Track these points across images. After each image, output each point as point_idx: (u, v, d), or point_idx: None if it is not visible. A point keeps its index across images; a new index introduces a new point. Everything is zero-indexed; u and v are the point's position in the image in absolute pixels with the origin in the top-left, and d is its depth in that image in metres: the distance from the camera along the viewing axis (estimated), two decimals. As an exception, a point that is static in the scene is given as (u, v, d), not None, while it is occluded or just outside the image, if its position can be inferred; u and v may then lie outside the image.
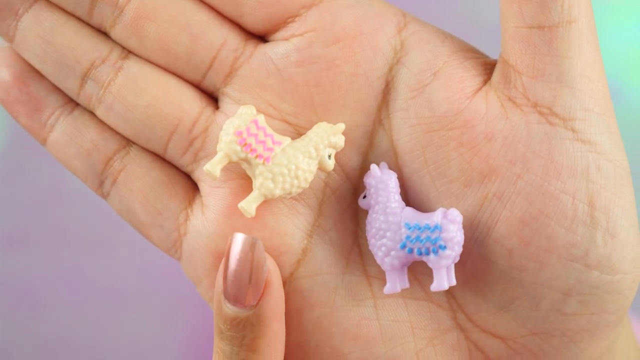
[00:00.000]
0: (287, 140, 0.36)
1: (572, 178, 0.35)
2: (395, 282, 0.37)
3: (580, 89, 0.35)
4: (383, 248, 0.36)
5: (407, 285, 0.37)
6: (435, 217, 0.36)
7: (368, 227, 0.37)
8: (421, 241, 0.36)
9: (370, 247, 0.37)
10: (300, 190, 0.36)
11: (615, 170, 0.35)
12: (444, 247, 0.36)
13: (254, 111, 0.36)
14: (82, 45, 0.38)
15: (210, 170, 0.36)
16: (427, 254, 0.36)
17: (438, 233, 0.36)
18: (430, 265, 0.36)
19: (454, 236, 0.36)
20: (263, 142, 0.36)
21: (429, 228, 0.36)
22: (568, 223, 0.35)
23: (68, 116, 0.38)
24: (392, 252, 0.36)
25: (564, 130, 0.35)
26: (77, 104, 0.39)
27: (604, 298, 0.36)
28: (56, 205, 0.59)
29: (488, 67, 0.37)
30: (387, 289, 0.37)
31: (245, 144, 0.36)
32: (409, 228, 0.36)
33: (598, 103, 0.35)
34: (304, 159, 0.36)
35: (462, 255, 0.36)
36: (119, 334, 0.62)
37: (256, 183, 0.36)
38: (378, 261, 0.37)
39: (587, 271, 0.35)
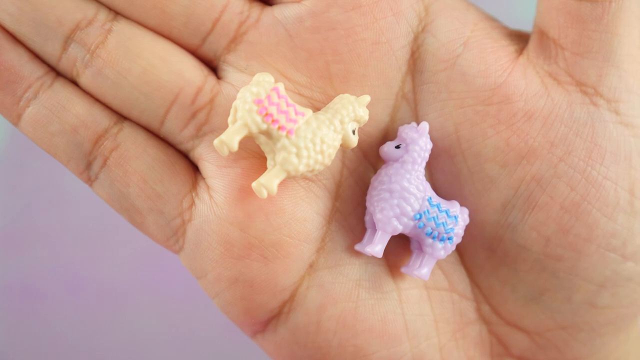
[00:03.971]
0: (309, 112, 0.32)
1: (616, 163, 0.33)
2: (383, 247, 0.33)
3: (625, 69, 0.33)
4: (397, 209, 0.32)
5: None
6: (456, 207, 0.33)
7: (386, 179, 0.33)
8: (437, 224, 0.33)
9: (374, 200, 0.33)
10: (322, 168, 0.32)
11: None
12: (452, 241, 0.33)
13: (272, 79, 0.32)
14: (64, 4, 0.32)
15: (226, 142, 0.31)
16: (434, 238, 0.33)
17: (454, 224, 0.33)
18: (428, 250, 0.33)
19: (461, 235, 0.33)
20: (286, 112, 0.31)
21: (449, 215, 0.33)
22: (610, 211, 0.33)
23: (48, 89, 0.32)
24: (404, 218, 0.33)
25: (608, 112, 0.33)
26: (56, 76, 0.33)
27: (635, 290, 0.34)
28: (56, 205, 0.55)
29: (514, 37, 0.35)
30: (371, 248, 0.32)
31: (267, 114, 0.31)
32: (431, 204, 0.33)
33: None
34: (329, 133, 0.32)
35: (492, 241, 0.34)
36: (119, 333, 0.59)
37: (277, 158, 0.31)
38: (380, 217, 0.32)
39: (623, 262, 0.33)
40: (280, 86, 0.32)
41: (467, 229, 0.34)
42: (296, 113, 0.32)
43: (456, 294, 0.35)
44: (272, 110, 0.31)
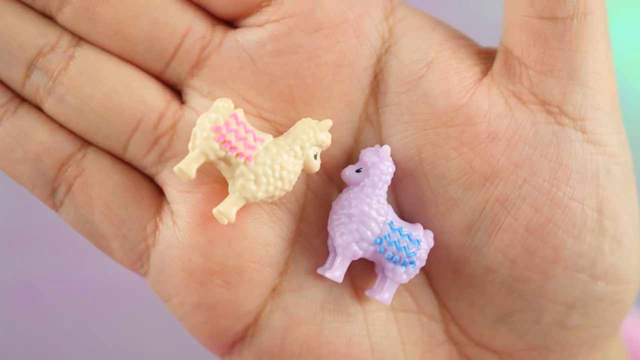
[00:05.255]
0: (269, 137, 0.32)
1: (582, 183, 0.32)
2: (343, 272, 0.33)
3: (591, 86, 0.32)
4: (356, 234, 0.32)
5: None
6: (419, 231, 0.33)
7: (346, 203, 0.33)
8: (398, 248, 0.33)
9: (334, 225, 0.33)
10: (283, 194, 0.32)
11: (623, 173, 0.33)
12: (414, 265, 0.33)
13: (232, 105, 0.32)
14: (25, 30, 0.32)
15: (184, 170, 0.31)
16: (396, 263, 0.33)
17: (416, 248, 0.33)
18: (389, 274, 0.33)
19: (424, 258, 0.33)
20: (244, 139, 0.32)
21: (411, 239, 0.33)
22: (577, 231, 0.32)
23: (12, 116, 0.33)
24: (364, 243, 0.32)
25: (573, 131, 0.32)
26: (20, 102, 0.33)
27: (607, 309, 0.33)
28: None
29: (482, 56, 0.34)
30: (330, 273, 0.32)
31: (225, 141, 0.31)
32: (392, 229, 0.33)
33: (608, 101, 0.33)
34: (289, 159, 0.32)
35: (458, 263, 0.33)
36: (119, 334, 0.60)
37: (236, 185, 0.32)
38: (339, 242, 0.32)
39: (593, 282, 0.33)
40: (240, 112, 0.32)
41: (433, 251, 0.34)
42: (255, 139, 0.32)
43: (424, 315, 0.35)
44: (230, 137, 0.31)
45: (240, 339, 0.33)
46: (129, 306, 0.59)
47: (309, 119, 0.32)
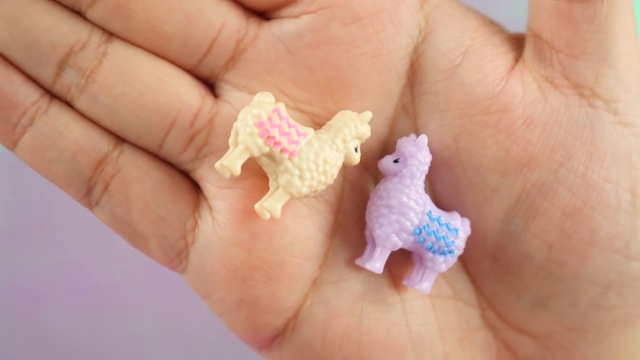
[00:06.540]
0: (310, 131, 0.32)
1: (616, 165, 0.33)
2: (383, 263, 0.33)
3: (622, 68, 0.32)
4: (396, 225, 0.32)
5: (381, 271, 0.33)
6: (456, 219, 0.33)
7: (384, 194, 0.33)
8: (437, 238, 0.33)
9: (373, 216, 0.33)
10: (325, 188, 0.32)
11: None
12: (453, 254, 0.33)
13: (273, 99, 0.31)
14: (56, 27, 0.31)
15: (229, 167, 0.31)
16: (435, 252, 0.33)
17: (454, 237, 0.33)
18: (429, 264, 0.33)
19: (462, 247, 0.33)
20: (288, 134, 0.31)
21: (449, 228, 0.33)
22: (611, 213, 0.33)
23: (44, 115, 0.32)
24: (403, 234, 0.33)
25: (606, 114, 0.33)
26: (51, 99, 0.32)
27: None
28: (56, 205, 0.55)
29: (514, 42, 0.34)
30: (370, 265, 0.33)
31: (269, 137, 0.31)
32: (431, 218, 0.33)
33: (637, 81, 0.33)
34: (332, 153, 0.32)
35: (495, 250, 0.34)
36: (119, 334, 0.59)
37: (280, 181, 0.31)
38: (379, 233, 0.32)
39: (628, 263, 0.33)
40: (282, 107, 0.31)
41: (470, 238, 0.34)
42: (298, 134, 0.31)
43: (461, 302, 0.35)
44: (274, 132, 0.31)
45: (280, 333, 0.33)
46: (129, 306, 0.59)
47: (349, 111, 0.32)
